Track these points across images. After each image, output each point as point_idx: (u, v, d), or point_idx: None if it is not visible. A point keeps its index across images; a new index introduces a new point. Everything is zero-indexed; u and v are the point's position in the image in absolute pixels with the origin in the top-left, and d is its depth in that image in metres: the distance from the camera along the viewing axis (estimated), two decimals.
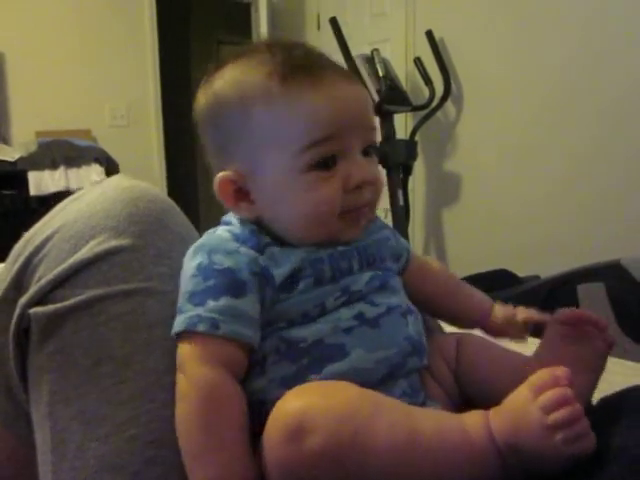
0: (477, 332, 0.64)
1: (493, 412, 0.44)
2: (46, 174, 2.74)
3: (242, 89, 0.52)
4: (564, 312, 0.57)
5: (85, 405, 0.51)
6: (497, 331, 0.63)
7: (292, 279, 0.51)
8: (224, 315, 0.48)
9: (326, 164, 0.51)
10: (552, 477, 0.42)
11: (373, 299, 0.53)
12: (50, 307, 0.52)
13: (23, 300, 0.54)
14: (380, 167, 2.81)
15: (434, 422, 0.44)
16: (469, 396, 0.57)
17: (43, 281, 0.53)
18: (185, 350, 0.49)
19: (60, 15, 3.23)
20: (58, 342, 0.52)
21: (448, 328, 0.76)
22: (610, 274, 1.67)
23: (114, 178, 0.63)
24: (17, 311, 0.54)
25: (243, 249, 0.51)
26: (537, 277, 2.13)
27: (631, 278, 1.64)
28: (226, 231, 0.54)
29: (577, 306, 1.67)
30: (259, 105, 0.51)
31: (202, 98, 0.55)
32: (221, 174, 0.54)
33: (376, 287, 0.54)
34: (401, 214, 2.75)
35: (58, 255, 0.54)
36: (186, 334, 0.49)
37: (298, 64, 0.52)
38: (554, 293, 1.81)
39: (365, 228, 0.56)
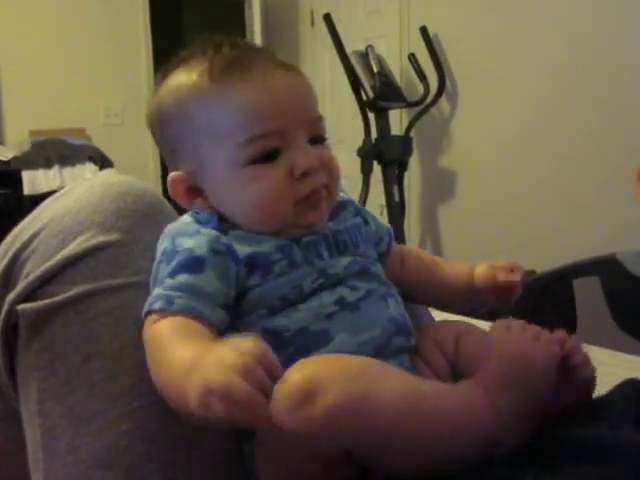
0: (467, 320, 0.64)
1: (477, 374, 0.48)
2: (40, 173, 2.73)
3: (178, 94, 0.54)
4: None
5: (75, 401, 0.50)
6: (483, 294, 0.62)
7: (262, 262, 0.51)
8: (180, 291, 0.48)
9: (268, 157, 0.51)
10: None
11: (352, 283, 0.54)
12: (38, 303, 0.52)
13: (11, 296, 0.53)
14: (375, 163, 2.83)
15: (434, 387, 0.47)
16: None
17: (31, 277, 0.53)
18: (146, 331, 0.48)
19: (53, 14, 3.22)
20: (47, 338, 0.52)
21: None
22: (605, 268, 1.67)
23: (102, 173, 0.64)
24: (5, 308, 0.53)
25: (204, 230, 0.51)
26: (533, 272, 2.13)
27: (626, 272, 1.64)
28: (189, 216, 0.54)
29: (573, 300, 1.67)
30: (194, 105, 0.52)
31: (149, 109, 0.57)
32: (171, 174, 0.55)
33: (355, 271, 0.55)
34: (397, 210, 2.75)
35: (46, 251, 0.54)
36: (147, 315, 0.48)
37: (227, 60, 0.53)
38: (550, 288, 1.82)
39: (327, 211, 0.56)
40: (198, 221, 0.53)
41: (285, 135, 0.51)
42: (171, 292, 0.48)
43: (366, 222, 0.61)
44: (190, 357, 0.41)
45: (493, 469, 0.44)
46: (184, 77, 0.54)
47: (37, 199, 2.77)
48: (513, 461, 0.44)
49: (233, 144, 0.51)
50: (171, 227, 0.53)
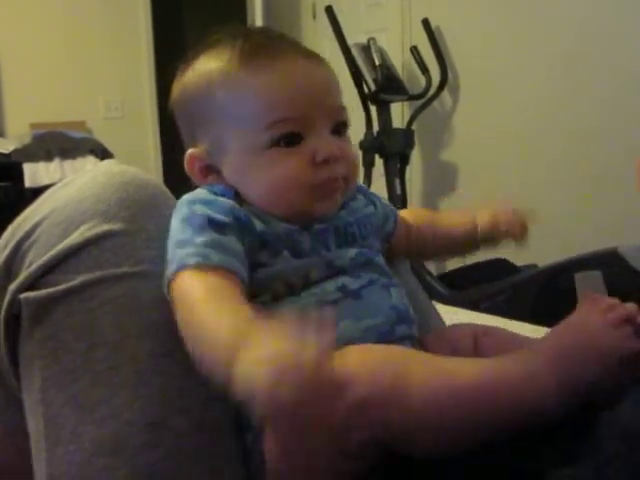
0: (476, 317, 0.63)
1: (540, 341, 0.47)
2: (41, 166, 2.72)
3: (207, 73, 0.56)
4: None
5: (78, 390, 0.50)
6: (490, 237, 0.66)
7: (274, 242, 0.52)
8: (213, 247, 0.48)
9: (291, 141, 0.52)
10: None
11: (356, 273, 0.55)
12: (41, 292, 0.52)
13: (13, 286, 0.53)
14: (377, 156, 2.82)
15: (468, 364, 0.46)
16: None
17: (33, 266, 0.53)
18: (179, 284, 0.47)
19: (54, 8, 3.21)
20: (50, 327, 0.52)
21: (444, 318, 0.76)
22: (607, 262, 1.68)
23: (104, 163, 0.64)
24: (7, 297, 0.53)
25: (221, 199, 0.53)
26: (535, 266, 2.13)
27: (628, 266, 1.64)
28: (203, 189, 0.55)
29: (574, 294, 1.67)
30: (221, 87, 0.55)
31: (175, 89, 0.60)
32: (189, 151, 0.57)
33: (360, 263, 0.55)
34: (398, 203, 2.74)
35: (48, 240, 0.54)
36: (180, 275, 0.48)
37: (256, 46, 0.55)
38: (552, 281, 1.82)
39: (340, 202, 0.57)
40: (214, 192, 0.54)
41: (308, 122, 0.53)
42: (204, 248, 0.48)
43: (375, 207, 0.63)
44: (234, 332, 0.39)
45: (508, 458, 0.43)
46: (212, 60, 0.56)
47: (38, 192, 2.72)
48: (528, 448, 0.43)
49: (256, 127, 0.52)
50: (186, 197, 0.54)
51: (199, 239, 0.49)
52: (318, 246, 0.54)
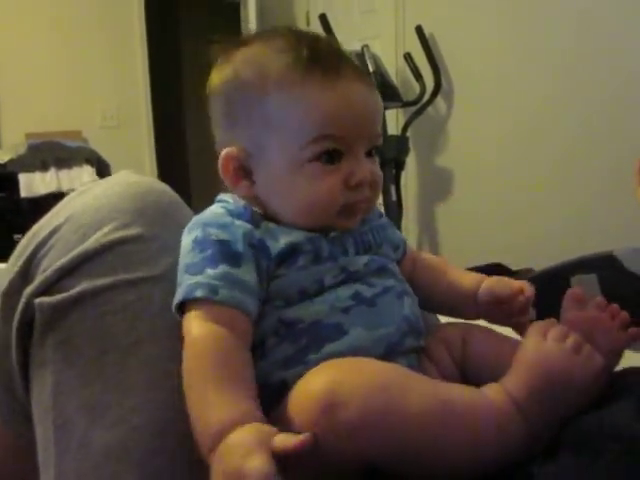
0: (482, 323, 0.63)
1: (505, 377, 0.47)
2: (37, 176, 2.72)
3: (264, 70, 0.53)
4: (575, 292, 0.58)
5: (90, 395, 0.51)
6: (486, 307, 0.60)
7: (291, 253, 0.52)
8: (222, 281, 0.48)
9: (331, 158, 0.52)
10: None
11: (370, 280, 0.54)
12: (56, 297, 0.52)
13: (28, 290, 0.54)
14: None
15: (460, 391, 0.46)
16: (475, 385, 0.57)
17: (49, 271, 0.53)
18: (188, 320, 0.48)
19: (49, 16, 3.21)
20: (63, 332, 0.52)
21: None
22: (603, 265, 1.68)
23: (121, 173, 0.64)
24: (22, 301, 0.54)
25: (237, 222, 0.52)
26: (531, 270, 2.13)
27: (624, 269, 1.65)
28: (220, 207, 0.55)
29: None
30: (278, 89, 0.52)
31: (219, 73, 0.56)
32: (226, 150, 0.54)
33: (374, 270, 0.55)
34: (394, 209, 2.75)
35: (65, 246, 0.54)
36: (188, 304, 0.49)
37: (323, 58, 0.53)
38: (548, 285, 1.82)
39: (360, 219, 0.57)
40: (230, 213, 0.53)
41: (350, 143, 0.53)
42: (214, 281, 0.48)
43: (388, 224, 0.63)
44: (221, 424, 0.42)
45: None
46: (273, 57, 0.53)
47: (34, 202, 2.77)
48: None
49: (304, 140, 0.52)
50: (201, 217, 0.54)
51: (210, 270, 0.48)
52: (335, 252, 0.54)
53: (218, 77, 0.56)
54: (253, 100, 0.53)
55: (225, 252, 0.50)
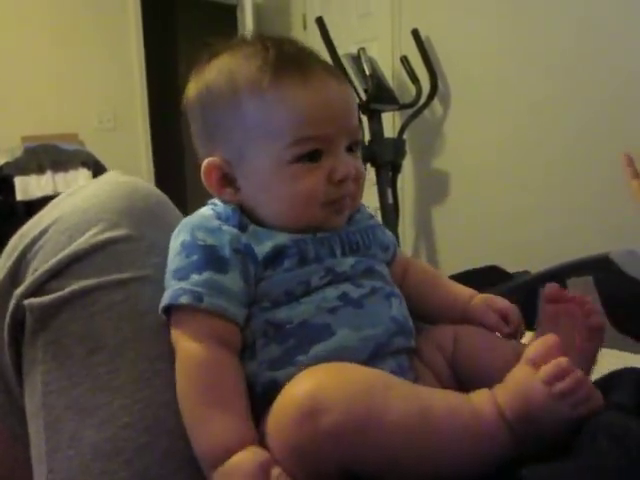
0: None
1: (497, 388, 0.45)
2: (33, 179, 2.71)
3: (234, 79, 0.54)
4: (549, 287, 0.59)
5: (79, 394, 0.51)
6: (478, 318, 0.61)
7: (277, 256, 0.52)
8: (207, 288, 0.49)
9: (312, 157, 0.53)
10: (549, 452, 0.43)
11: (358, 281, 0.55)
12: (45, 298, 0.53)
13: (18, 291, 0.54)
14: (369, 166, 2.83)
15: (443, 399, 0.45)
16: (466, 385, 0.57)
17: (39, 272, 0.54)
18: (175, 326, 0.50)
19: (45, 20, 3.21)
20: (52, 333, 0.52)
21: None
22: (599, 267, 1.68)
23: (109, 174, 0.64)
24: (12, 302, 0.54)
25: (225, 227, 0.53)
26: (527, 272, 2.14)
27: (620, 271, 1.65)
28: (209, 209, 0.56)
29: None
30: (250, 96, 0.53)
31: (193, 86, 0.57)
32: (208, 159, 0.55)
33: (361, 271, 0.56)
34: (390, 212, 2.76)
35: (54, 247, 0.55)
36: (173, 309, 0.50)
37: (290, 59, 0.54)
38: (544, 287, 1.82)
39: (348, 217, 0.58)
40: (219, 216, 0.54)
41: (330, 140, 0.53)
42: (198, 288, 0.49)
43: (377, 225, 0.63)
44: (220, 447, 0.45)
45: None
46: (241, 64, 0.54)
47: (30, 205, 2.76)
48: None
49: (281, 142, 0.52)
50: (190, 220, 0.54)
51: (195, 276, 0.49)
52: (322, 253, 0.54)
53: (192, 91, 0.57)
54: (227, 109, 0.54)
55: (211, 258, 0.50)
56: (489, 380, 0.48)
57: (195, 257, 0.50)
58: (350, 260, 0.55)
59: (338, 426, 0.41)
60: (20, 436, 0.55)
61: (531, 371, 0.44)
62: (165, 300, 0.50)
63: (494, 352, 0.57)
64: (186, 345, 0.49)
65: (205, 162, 0.55)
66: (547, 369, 0.43)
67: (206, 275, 0.49)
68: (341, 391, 0.42)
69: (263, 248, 0.52)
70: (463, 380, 0.57)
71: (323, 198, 0.54)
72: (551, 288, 0.59)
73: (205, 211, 0.56)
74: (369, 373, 0.46)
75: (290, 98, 0.52)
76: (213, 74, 0.55)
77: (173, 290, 0.50)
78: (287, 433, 0.43)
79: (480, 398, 0.45)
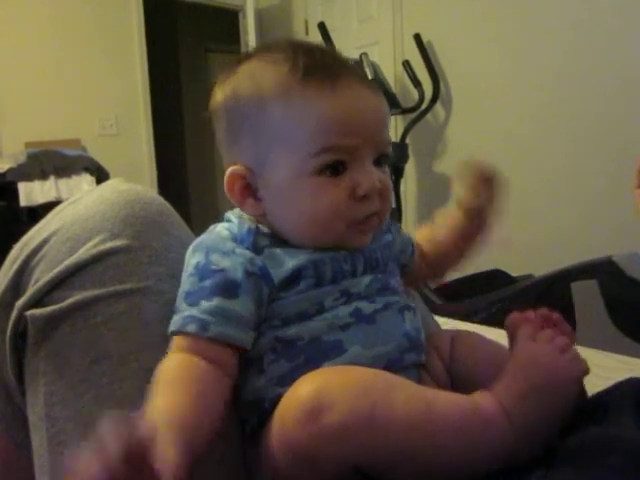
0: (468, 327, 0.64)
1: (494, 383, 0.47)
2: (36, 185, 2.72)
3: (260, 84, 0.52)
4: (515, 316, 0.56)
5: (82, 405, 0.51)
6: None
7: (294, 279, 0.51)
8: (215, 316, 0.48)
9: (336, 169, 0.51)
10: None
11: (372, 298, 0.54)
12: (47, 309, 0.52)
13: (20, 302, 0.54)
14: None
15: (446, 397, 0.46)
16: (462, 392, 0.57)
17: (40, 283, 0.53)
18: (175, 347, 0.49)
19: (48, 26, 3.22)
20: (55, 344, 0.52)
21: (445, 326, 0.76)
22: (603, 271, 1.68)
23: (111, 182, 0.64)
24: (14, 313, 0.54)
25: (239, 250, 0.51)
26: (531, 276, 2.13)
27: (623, 274, 1.65)
28: (225, 229, 0.54)
29: (571, 303, 1.67)
30: (276, 102, 0.51)
31: (220, 91, 0.55)
32: (232, 168, 0.54)
33: (376, 289, 0.55)
34: (393, 216, 2.75)
35: (55, 257, 0.54)
36: (179, 333, 0.49)
37: (320, 65, 0.52)
38: (548, 291, 1.82)
39: (372, 235, 0.56)
40: (234, 238, 0.53)
41: (355, 151, 0.51)
42: (206, 316, 0.48)
43: (392, 235, 0.62)
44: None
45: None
46: (269, 69, 0.52)
47: (33, 210, 2.77)
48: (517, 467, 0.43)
49: (305, 152, 0.50)
50: (206, 239, 0.53)
51: (205, 303, 0.49)
52: (340, 273, 0.53)
53: (218, 95, 0.55)
54: (252, 114, 0.52)
55: (222, 283, 0.49)
56: (486, 386, 0.48)
57: (207, 282, 0.49)
58: (366, 280, 0.54)
59: (343, 424, 0.41)
60: (24, 445, 0.55)
61: (529, 340, 0.48)
62: (173, 325, 0.50)
63: (491, 361, 0.56)
64: (176, 355, 0.48)
65: (228, 171, 0.54)
66: (544, 333, 0.48)
67: (215, 302, 0.49)
68: (345, 390, 0.42)
69: (280, 272, 0.51)
70: (460, 388, 0.57)
71: (347, 217, 0.51)
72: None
73: (221, 230, 0.54)
74: (372, 372, 0.46)
75: (316, 104, 0.50)
76: (240, 78, 0.54)
77: (182, 316, 0.49)
78: (291, 432, 0.43)
79: (480, 394, 0.46)
